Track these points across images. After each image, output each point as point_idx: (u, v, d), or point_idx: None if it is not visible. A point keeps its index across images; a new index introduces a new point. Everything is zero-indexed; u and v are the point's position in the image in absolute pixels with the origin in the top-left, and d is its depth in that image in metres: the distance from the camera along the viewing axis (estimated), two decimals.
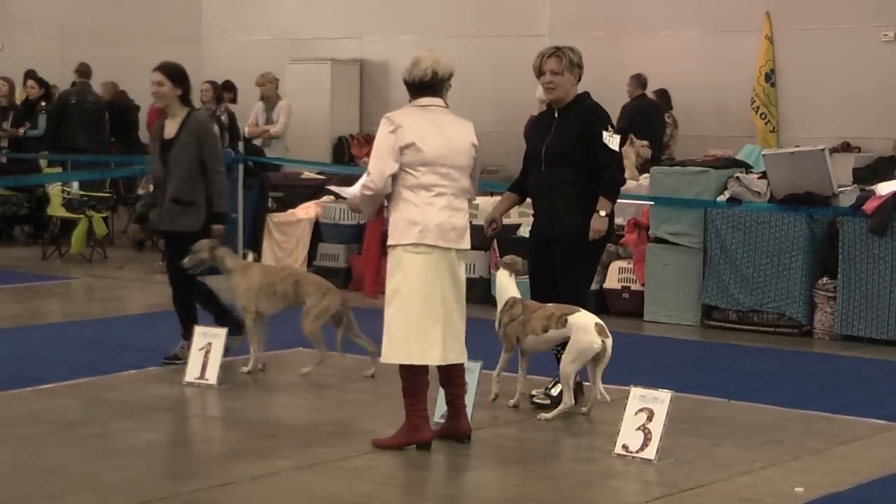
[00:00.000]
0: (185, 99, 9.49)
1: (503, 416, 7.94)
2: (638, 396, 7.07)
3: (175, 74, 9.65)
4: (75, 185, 15.77)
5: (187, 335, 9.15)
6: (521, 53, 18.89)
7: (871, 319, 10.74)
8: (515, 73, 18.06)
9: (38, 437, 7.32)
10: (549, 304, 7.93)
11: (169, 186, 9.19)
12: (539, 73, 8.20)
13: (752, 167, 12.06)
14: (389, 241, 7.14)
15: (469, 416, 7.38)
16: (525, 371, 8.17)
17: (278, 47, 20.70)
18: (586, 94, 8.35)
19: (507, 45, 18.86)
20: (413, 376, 7.12)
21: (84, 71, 17.47)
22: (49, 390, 8.49)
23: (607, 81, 18.01)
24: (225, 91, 17.47)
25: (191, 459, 7.05)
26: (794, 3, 17.18)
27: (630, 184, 13.33)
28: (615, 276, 11.98)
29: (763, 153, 12.26)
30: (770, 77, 17.22)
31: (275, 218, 14.05)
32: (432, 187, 7.07)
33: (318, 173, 16.07)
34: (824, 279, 11.01)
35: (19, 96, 18.52)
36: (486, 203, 12.03)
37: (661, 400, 7.02)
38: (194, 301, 9.48)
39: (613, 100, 17.75)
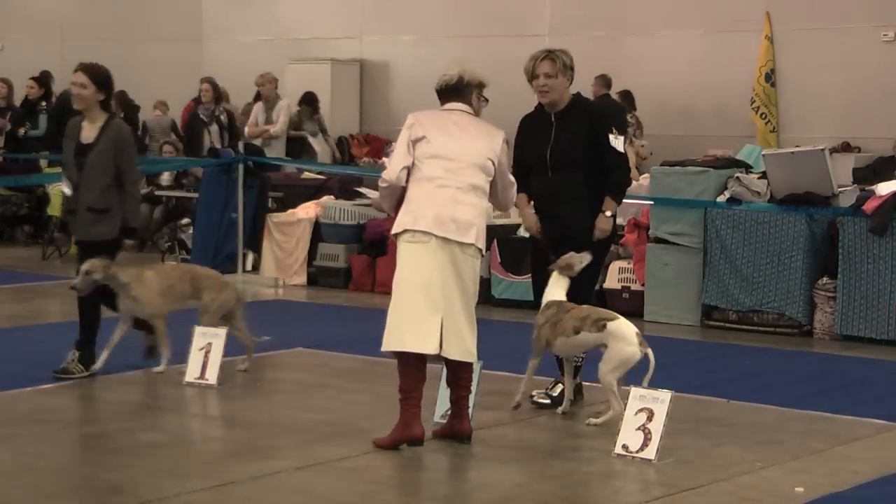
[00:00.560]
0: (106, 104, 9.19)
1: (503, 416, 7.93)
2: (638, 396, 7.07)
3: (99, 78, 9.34)
4: None
5: (82, 346, 8.90)
6: (521, 53, 18.74)
7: (871, 319, 10.74)
8: (515, 73, 18.04)
9: (38, 437, 7.32)
10: (585, 306, 7.76)
11: (83, 194, 8.86)
12: (532, 76, 8.11)
13: (752, 167, 12.06)
14: (392, 232, 7.26)
15: (470, 417, 7.38)
16: (570, 375, 7.93)
17: (278, 47, 20.69)
18: (580, 95, 8.32)
19: (507, 45, 18.83)
20: (407, 370, 7.11)
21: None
22: (49, 390, 8.49)
23: None
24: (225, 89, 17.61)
25: (191, 459, 7.04)
26: (794, 3, 17.18)
27: (630, 184, 13.36)
28: (615, 276, 11.98)
29: (763, 153, 12.26)
30: (770, 77, 17.22)
31: (275, 218, 14.05)
32: (435, 179, 7.11)
33: (318, 173, 16.07)
34: (824, 279, 11.02)
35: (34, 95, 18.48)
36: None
37: (661, 400, 7.02)
38: (99, 312, 9.13)
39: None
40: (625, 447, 6.99)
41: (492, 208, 7.70)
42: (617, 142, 8.07)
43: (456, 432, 7.29)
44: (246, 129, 16.89)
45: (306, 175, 16.01)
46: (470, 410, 7.37)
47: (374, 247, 13.30)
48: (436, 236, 7.05)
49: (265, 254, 13.97)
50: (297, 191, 15.31)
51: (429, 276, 7.04)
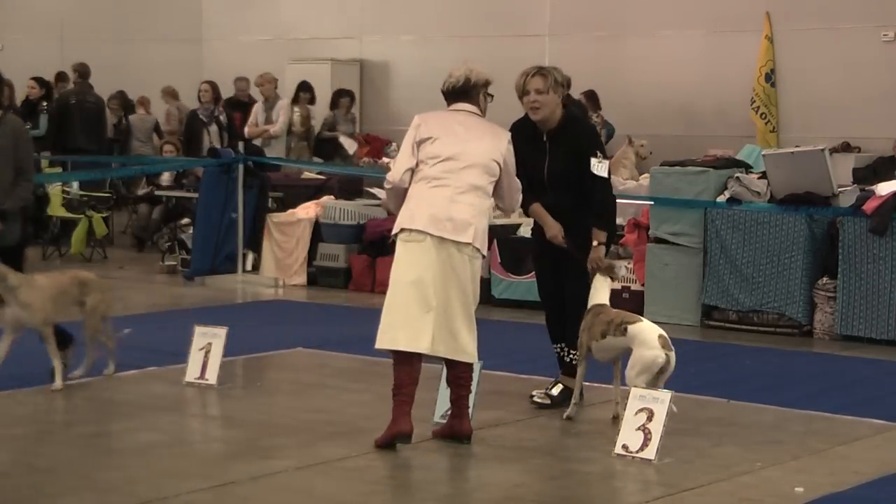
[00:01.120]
0: None
1: (503, 416, 7.93)
2: (638, 396, 7.07)
3: None
4: (75, 185, 15.78)
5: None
6: (521, 53, 18.89)
7: (871, 319, 10.74)
8: (515, 73, 18.06)
9: (38, 437, 7.32)
10: (615, 310, 7.70)
11: None
12: (523, 92, 8.02)
13: (752, 167, 12.06)
14: (392, 233, 7.29)
15: (470, 417, 7.38)
16: (619, 381, 7.77)
17: (278, 47, 20.69)
18: (571, 114, 8.20)
19: (507, 45, 18.83)
20: (399, 367, 7.11)
21: (83, 71, 17.49)
22: (49, 390, 8.48)
23: (607, 81, 18.09)
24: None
25: (191, 459, 7.04)
26: (794, 3, 17.18)
27: (630, 184, 13.37)
28: None
29: (763, 153, 12.26)
30: (770, 77, 17.22)
31: (275, 218, 14.05)
32: (434, 179, 7.12)
33: (318, 173, 16.07)
34: (824, 279, 11.02)
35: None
36: None
37: (661, 400, 7.02)
38: None
39: (613, 100, 17.84)
40: (625, 447, 6.99)
41: (492, 208, 7.65)
42: (600, 166, 7.93)
43: (456, 432, 7.29)
44: (246, 130, 16.89)
45: (306, 175, 16.01)
46: (470, 410, 7.37)
47: (374, 247, 13.29)
48: (431, 235, 7.05)
49: (265, 254, 13.97)
50: (297, 191, 15.31)
51: (422, 275, 7.03)
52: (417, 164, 7.19)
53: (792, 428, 7.83)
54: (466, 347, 7.17)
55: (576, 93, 17.59)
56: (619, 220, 11.08)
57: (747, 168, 11.91)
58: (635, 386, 7.23)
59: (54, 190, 15.80)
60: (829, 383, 9.31)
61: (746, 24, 17.33)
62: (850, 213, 10.87)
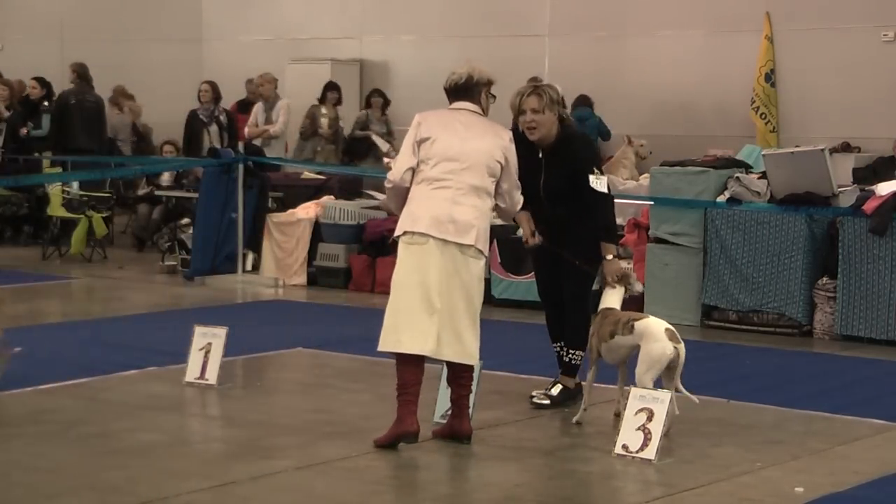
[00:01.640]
0: None
1: (503, 416, 7.93)
2: (638, 396, 7.07)
3: None
4: (75, 185, 15.78)
5: None
6: (521, 53, 18.94)
7: (871, 319, 10.74)
8: (515, 73, 18.07)
9: (38, 437, 7.32)
10: (623, 311, 7.70)
11: None
12: (518, 111, 7.99)
13: (752, 167, 12.06)
14: (394, 235, 7.27)
15: (470, 417, 7.38)
16: (623, 382, 7.74)
17: (278, 47, 20.68)
18: (568, 131, 8.15)
19: (507, 45, 18.83)
20: (403, 367, 7.10)
21: (81, 71, 17.49)
22: (49, 390, 8.49)
23: (607, 81, 18.09)
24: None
25: (191, 459, 7.04)
26: (794, 3, 17.17)
27: (630, 184, 13.37)
28: None
29: (763, 153, 12.25)
30: (770, 77, 17.20)
31: (275, 218, 14.05)
32: (435, 181, 7.11)
33: (318, 173, 16.07)
34: (824, 279, 11.02)
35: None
36: None
37: (661, 400, 7.02)
38: None
39: (614, 100, 17.84)
40: (625, 447, 6.99)
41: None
42: (598, 182, 7.94)
43: (456, 432, 7.29)
44: (246, 130, 16.89)
45: (306, 175, 16.01)
46: (470, 410, 7.37)
47: (374, 247, 13.30)
48: (434, 238, 7.05)
49: (265, 254, 13.97)
50: (297, 191, 15.31)
51: (426, 277, 7.03)
52: (418, 164, 7.17)
53: (792, 428, 7.83)
54: (470, 349, 7.17)
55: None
56: (618, 221, 11.09)
57: (747, 168, 11.91)
58: (644, 385, 7.21)
59: (54, 190, 15.80)
60: (829, 383, 9.31)
61: (746, 24, 17.32)
62: (850, 213, 10.87)
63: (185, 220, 15.01)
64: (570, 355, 8.16)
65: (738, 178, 11.41)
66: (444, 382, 7.46)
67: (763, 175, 11.47)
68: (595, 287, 8.29)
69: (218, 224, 13.82)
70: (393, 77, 20.05)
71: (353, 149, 17.80)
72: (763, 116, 17.19)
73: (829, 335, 10.95)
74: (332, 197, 14.53)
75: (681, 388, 7.42)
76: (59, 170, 16.76)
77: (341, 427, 7.62)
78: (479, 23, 19.32)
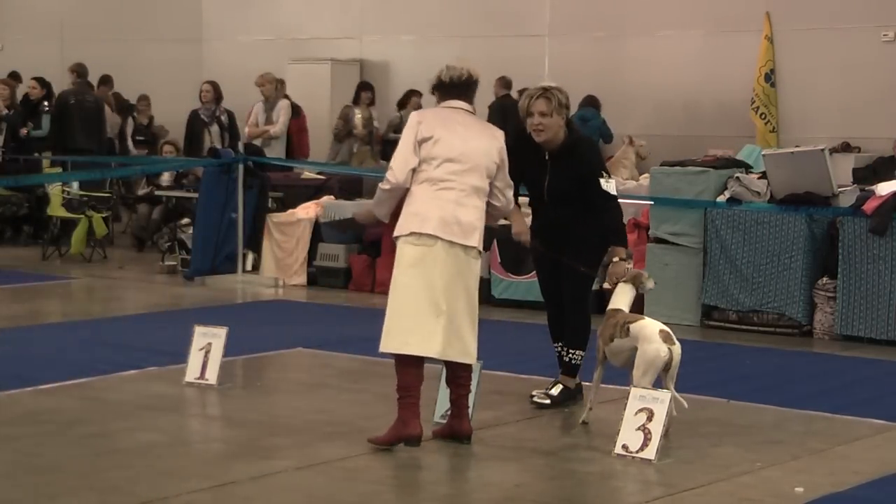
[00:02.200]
0: None
1: (503, 416, 7.93)
2: (638, 396, 7.07)
3: None
4: (75, 185, 15.78)
5: None
6: (521, 53, 18.95)
7: (871, 319, 10.74)
8: (515, 73, 18.07)
9: (38, 437, 7.31)
10: (623, 313, 7.67)
11: None
12: (527, 113, 8.01)
13: (752, 167, 12.06)
14: (395, 234, 7.15)
15: (470, 417, 7.38)
16: (597, 381, 7.74)
17: (278, 47, 20.68)
18: (575, 135, 8.18)
19: (507, 45, 18.84)
20: (405, 369, 7.09)
21: (81, 71, 17.48)
22: (49, 390, 8.48)
23: (607, 81, 18.09)
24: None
25: (191, 459, 7.04)
26: (794, 3, 17.18)
27: (630, 184, 13.37)
28: None
29: (763, 153, 12.26)
30: (770, 77, 17.21)
31: (275, 218, 14.05)
32: (440, 181, 7.08)
33: (318, 173, 16.07)
34: (824, 279, 11.02)
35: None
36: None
37: (661, 400, 7.02)
38: None
39: (614, 100, 17.85)
40: (625, 447, 6.99)
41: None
42: (608, 185, 7.98)
43: (456, 432, 7.29)
44: (246, 130, 16.89)
45: (306, 175, 16.01)
46: (470, 410, 7.37)
47: (374, 247, 13.30)
48: (441, 239, 7.05)
49: (265, 254, 13.97)
50: (297, 191, 15.31)
51: (432, 279, 7.02)
52: (419, 164, 7.15)
53: (792, 428, 7.83)
54: (470, 349, 7.19)
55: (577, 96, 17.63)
56: None
57: (747, 168, 11.91)
58: (641, 386, 7.20)
59: (54, 190, 15.80)
60: (829, 383, 9.30)
61: (746, 24, 17.32)
62: (850, 213, 10.87)
63: (185, 220, 15.02)
64: (569, 355, 8.17)
65: (738, 178, 11.41)
66: (443, 383, 7.46)
67: (763, 175, 11.47)
68: (595, 287, 8.29)
69: (218, 224, 13.82)
70: (393, 77, 20.06)
71: (389, 152, 17.72)
72: (763, 116, 17.20)
73: (829, 335, 10.95)
74: (332, 197, 14.53)
75: (672, 390, 7.38)
76: (59, 170, 16.76)
77: (341, 427, 7.62)
78: (479, 23, 19.33)
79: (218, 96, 16.62)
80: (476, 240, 7.11)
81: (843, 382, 9.38)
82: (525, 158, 8.00)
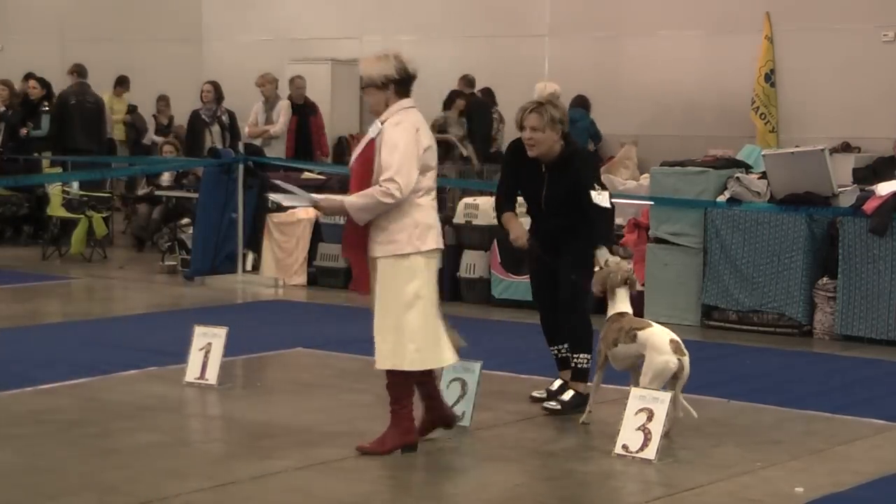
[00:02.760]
0: None
1: (503, 416, 7.94)
2: (638, 396, 7.07)
3: None
4: (75, 185, 15.78)
5: None
6: (521, 53, 18.96)
7: (871, 319, 10.74)
8: (515, 73, 18.09)
9: (38, 437, 7.32)
10: (628, 317, 7.62)
11: None
12: (520, 127, 7.99)
13: (752, 167, 12.06)
14: (406, 249, 6.88)
15: (469, 417, 7.39)
16: (598, 381, 7.76)
17: (278, 47, 20.69)
18: (572, 148, 8.11)
19: (507, 45, 18.86)
20: (408, 380, 7.09)
21: (81, 71, 17.48)
22: (49, 390, 8.49)
23: (607, 81, 18.11)
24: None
25: (191, 459, 7.04)
26: (794, 3, 17.19)
27: (630, 184, 13.38)
28: None
29: (763, 153, 12.25)
30: (770, 77, 17.22)
31: (275, 218, 14.05)
32: (431, 191, 7.08)
33: (319, 173, 16.06)
34: (824, 279, 11.02)
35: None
36: (486, 203, 12.04)
37: (661, 400, 7.03)
38: None
39: (613, 99, 17.86)
40: (625, 447, 6.99)
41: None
42: (600, 198, 7.91)
43: (442, 419, 7.27)
44: (246, 130, 16.89)
45: (306, 175, 16.00)
46: (469, 411, 7.38)
47: None
48: (440, 250, 7.11)
49: (265, 254, 13.97)
50: None
51: (435, 289, 7.06)
52: None
53: (792, 428, 7.83)
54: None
55: (572, 94, 17.67)
56: (618, 220, 11.11)
57: (747, 168, 11.91)
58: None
59: (54, 190, 15.80)
60: (829, 383, 9.30)
61: (746, 24, 17.34)
62: (850, 213, 10.87)
63: (185, 220, 15.02)
64: (575, 359, 8.09)
65: (738, 178, 11.41)
66: (442, 383, 7.48)
67: (763, 175, 11.47)
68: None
69: (218, 224, 13.82)
70: None
71: None
72: (763, 117, 17.20)
73: (829, 335, 10.95)
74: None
75: (681, 400, 7.37)
76: (59, 170, 16.77)
77: (341, 427, 7.62)
78: (479, 23, 19.34)
79: (219, 96, 16.63)
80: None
81: (843, 382, 9.38)
82: (523, 169, 8.01)
